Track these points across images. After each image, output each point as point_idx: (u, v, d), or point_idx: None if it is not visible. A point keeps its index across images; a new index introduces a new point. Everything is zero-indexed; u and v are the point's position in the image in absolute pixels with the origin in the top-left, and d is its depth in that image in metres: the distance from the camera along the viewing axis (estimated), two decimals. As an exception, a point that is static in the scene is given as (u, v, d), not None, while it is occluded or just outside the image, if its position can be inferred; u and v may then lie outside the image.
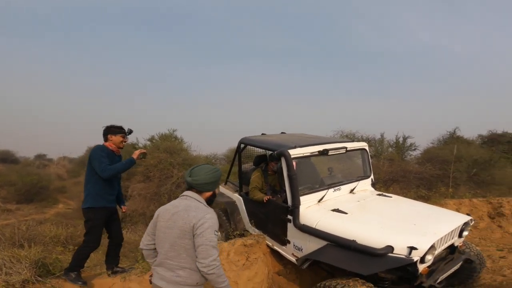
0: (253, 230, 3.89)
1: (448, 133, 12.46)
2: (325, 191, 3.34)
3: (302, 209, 3.09)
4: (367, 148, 3.94)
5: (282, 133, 4.62)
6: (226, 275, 2.53)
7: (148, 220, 7.24)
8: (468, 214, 3.07)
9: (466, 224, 2.88)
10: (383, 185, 7.43)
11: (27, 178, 12.80)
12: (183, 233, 1.69)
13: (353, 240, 2.55)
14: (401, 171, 8.26)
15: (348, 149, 3.60)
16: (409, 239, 2.42)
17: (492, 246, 4.62)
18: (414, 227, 2.64)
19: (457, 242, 2.91)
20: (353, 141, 4.00)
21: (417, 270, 2.38)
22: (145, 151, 3.19)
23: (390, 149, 11.41)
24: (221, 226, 4.50)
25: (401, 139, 11.50)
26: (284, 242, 3.30)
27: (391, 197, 3.56)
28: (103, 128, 3.12)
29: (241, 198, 4.12)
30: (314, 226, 2.90)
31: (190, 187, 1.85)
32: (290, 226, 3.16)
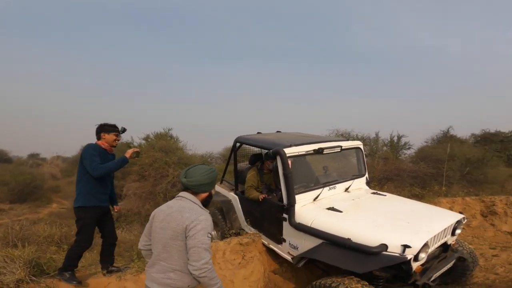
0: (249, 229, 3.90)
1: (442, 132, 12.60)
2: (320, 189, 3.35)
3: (298, 207, 3.10)
4: (361, 147, 3.97)
5: (277, 132, 4.62)
6: (222, 273, 2.52)
7: (143, 219, 7.25)
8: (460, 213, 3.11)
9: (459, 222, 2.91)
10: (377, 183, 7.50)
11: (20, 178, 12.65)
12: (176, 234, 1.66)
13: (348, 238, 2.57)
14: (395, 170, 8.33)
15: (343, 148, 3.62)
16: (403, 237, 2.44)
17: (485, 244, 4.67)
18: (408, 225, 2.67)
19: (450, 240, 2.95)
20: (348, 140, 4.02)
21: (411, 268, 2.40)
22: (138, 150, 3.15)
23: (384, 148, 11.49)
24: (217, 225, 4.50)
25: (395, 138, 11.60)
26: (279, 240, 3.31)
27: (385, 195, 3.59)
28: (96, 126, 3.09)
29: (236, 197, 4.13)
30: (309, 225, 2.92)
31: (186, 188, 1.82)
32: (285, 224, 3.17)
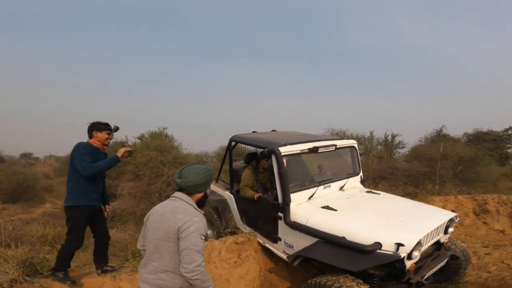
0: (244, 228, 3.90)
1: (435, 131, 12.71)
2: (315, 188, 3.37)
3: (293, 206, 3.11)
4: (356, 145, 4.00)
5: (273, 130, 4.63)
6: (217, 272, 2.53)
7: (138, 219, 7.22)
8: (453, 211, 3.15)
9: (451, 220, 2.95)
10: (372, 182, 7.55)
11: (13, 177, 12.49)
12: (168, 235, 1.63)
13: (342, 236, 2.59)
14: (389, 169, 8.39)
15: (337, 146, 3.64)
16: (396, 236, 2.46)
17: (478, 242, 4.71)
18: (402, 224, 2.69)
19: (443, 238, 2.98)
20: (342, 139, 4.04)
21: (405, 266, 2.43)
22: (130, 149, 3.11)
23: (379, 147, 11.56)
24: (212, 224, 4.50)
25: (389, 137, 11.68)
26: (275, 239, 3.32)
27: (379, 194, 3.62)
28: (88, 125, 3.05)
29: (232, 196, 4.13)
30: (304, 223, 2.93)
31: (180, 189, 1.78)
32: (281, 223, 3.18)
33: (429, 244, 2.76)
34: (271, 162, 3.25)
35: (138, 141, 10.06)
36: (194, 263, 1.57)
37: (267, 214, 3.41)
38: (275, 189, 3.25)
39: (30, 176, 13.76)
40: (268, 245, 3.51)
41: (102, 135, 3.03)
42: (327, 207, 3.05)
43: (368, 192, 3.66)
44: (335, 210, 3.00)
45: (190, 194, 1.77)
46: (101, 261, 3.23)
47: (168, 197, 1.87)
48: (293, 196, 3.14)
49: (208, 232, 4.62)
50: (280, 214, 3.17)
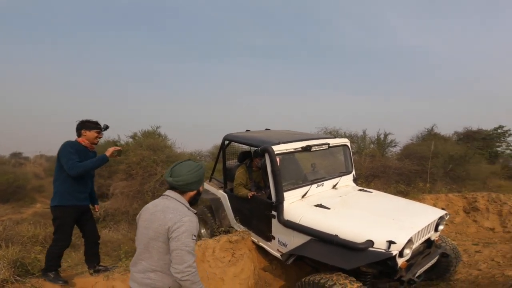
0: (238, 227, 3.91)
1: (426, 130, 12.86)
2: (309, 186, 3.39)
3: (286, 204, 3.13)
4: (348, 144, 4.03)
5: (266, 129, 4.65)
6: (212, 271, 2.53)
7: (131, 218, 7.16)
8: (443, 209, 3.19)
9: (441, 218, 2.99)
10: (364, 180, 7.61)
11: (3, 177, 12.28)
12: (157, 235, 1.60)
13: (335, 235, 2.61)
14: (381, 167, 8.45)
15: (330, 145, 3.67)
16: (388, 234, 2.49)
17: (468, 240, 4.77)
18: (393, 222, 2.72)
19: (434, 236, 3.02)
20: (335, 137, 4.07)
21: (396, 264, 2.46)
22: (120, 148, 3.06)
23: (371, 145, 11.66)
24: (206, 223, 4.50)
25: (382, 136, 11.79)
26: (269, 238, 3.34)
27: (371, 192, 3.66)
28: (77, 123, 3.01)
29: (225, 194, 4.13)
30: (297, 222, 2.95)
31: (172, 187, 1.74)
32: (274, 222, 3.20)
33: (420, 241, 2.79)
34: (265, 160, 3.25)
35: (130, 140, 9.98)
36: (184, 264, 1.54)
37: (260, 212, 3.43)
38: (269, 187, 3.26)
39: (20, 176, 13.55)
40: (262, 243, 3.52)
41: (91, 134, 2.99)
42: (320, 206, 3.08)
43: (360, 190, 3.70)
44: (328, 208, 3.02)
45: (182, 192, 1.73)
46: (92, 261, 3.21)
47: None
48: (286, 194, 3.16)
49: (202, 231, 4.62)
50: (273, 212, 3.18)
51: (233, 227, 4.02)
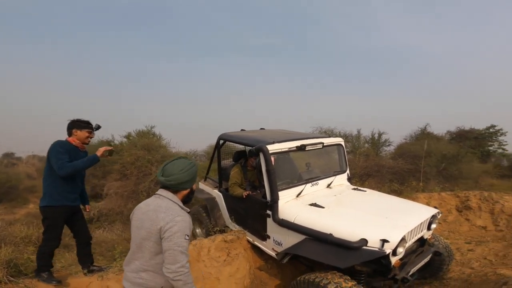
0: (234, 226, 3.91)
1: (419, 129, 12.99)
2: (303, 186, 3.41)
3: (281, 204, 3.14)
4: (343, 143, 4.05)
5: (261, 129, 4.65)
6: (207, 271, 2.52)
7: (125, 218, 7.12)
8: (435, 207, 3.23)
9: (434, 216, 3.02)
10: (359, 179, 7.65)
11: (-5, 178, 12.16)
12: (149, 235, 1.58)
13: (330, 233, 2.62)
14: (375, 166, 8.52)
15: (324, 144, 3.69)
16: (381, 232, 2.51)
17: (461, 239, 4.80)
18: (386, 220, 2.75)
19: (427, 235, 3.05)
20: (330, 137, 4.09)
21: (390, 262, 2.48)
22: (111, 148, 3.01)
23: (366, 145, 11.73)
24: (201, 222, 4.50)
25: (376, 135, 11.87)
26: (264, 237, 3.35)
27: (365, 191, 3.68)
28: (68, 122, 2.97)
29: (220, 194, 4.13)
30: (292, 221, 2.96)
31: (165, 186, 1.70)
32: (269, 221, 3.21)
33: (413, 240, 2.82)
34: (259, 160, 3.26)
35: (125, 140, 9.92)
36: (177, 264, 1.52)
37: (255, 212, 3.43)
38: (264, 187, 3.26)
39: (13, 176, 13.40)
40: (257, 243, 3.53)
41: (82, 133, 2.96)
42: (315, 205, 3.09)
43: (354, 189, 3.72)
44: (323, 207, 3.04)
45: (175, 191, 1.70)
46: (86, 261, 3.19)
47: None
48: (281, 194, 3.17)
49: (197, 230, 4.61)
50: (268, 212, 3.19)
51: (228, 227, 4.03)
